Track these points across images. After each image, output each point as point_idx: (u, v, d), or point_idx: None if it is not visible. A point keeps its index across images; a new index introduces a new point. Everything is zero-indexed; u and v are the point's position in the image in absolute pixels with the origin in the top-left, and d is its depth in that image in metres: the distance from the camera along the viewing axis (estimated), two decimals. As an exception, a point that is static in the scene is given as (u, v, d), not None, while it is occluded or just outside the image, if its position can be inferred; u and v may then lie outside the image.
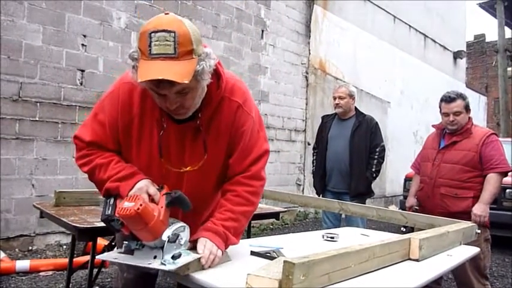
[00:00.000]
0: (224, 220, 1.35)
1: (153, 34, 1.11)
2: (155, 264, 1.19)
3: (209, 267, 1.26)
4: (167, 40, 1.10)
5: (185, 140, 1.33)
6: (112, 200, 1.28)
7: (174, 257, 1.19)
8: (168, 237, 1.19)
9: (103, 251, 2.55)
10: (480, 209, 2.53)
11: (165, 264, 1.17)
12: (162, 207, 1.22)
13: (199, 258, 1.25)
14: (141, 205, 1.14)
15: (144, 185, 1.25)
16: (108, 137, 1.35)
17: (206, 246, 1.26)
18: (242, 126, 1.37)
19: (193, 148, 1.33)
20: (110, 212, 1.24)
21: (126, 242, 1.25)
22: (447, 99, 2.71)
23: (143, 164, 1.35)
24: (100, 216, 1.29)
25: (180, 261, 1.19)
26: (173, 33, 1.11)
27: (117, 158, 1.36)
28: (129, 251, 1.24)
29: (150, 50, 1.11)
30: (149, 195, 1.24)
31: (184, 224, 1.29)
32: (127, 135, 1.34)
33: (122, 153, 1.39)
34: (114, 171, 1.30)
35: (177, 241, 1.21)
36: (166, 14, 1.18)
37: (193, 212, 1.38)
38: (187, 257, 1.22)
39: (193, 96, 1.23)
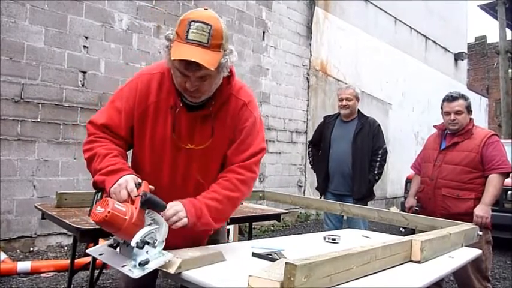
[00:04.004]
0: (208, 199, 1.41)
1: (193, 23, 1.28)
2: (125, 269, 1.22)
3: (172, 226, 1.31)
4: (203, 30, 1.27)
5: (195, 125, 1.45)
6: (99, 195, 1.33)
7: (141, 264, 1.20)
8: (137, 243, 1.20)
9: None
10: (482, 210, 2.53)
11: (132, 271, 1.20)
12: (136, 208, 1.23)
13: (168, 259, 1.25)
14: (108, 212, 1.16)
15: (124, 181, 1.29)
16: (121, 123, 1.45)
17: (173, 206, 1.32)
18: (245, 122, 1.49)
19: (201, 131, 1.45)
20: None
21: (114, 236, 1.29)
22: (449, 98, 2.74)
23: (157, 146, 1.46)
24: (88, 212, 1.32)
25: (150, 266, 1.21)
26: (210, 26, 1.28)
27: (116, 152, 1.42)
28: (116, 245, 1.28)
29: (187, 35, 1.27)
30: (128, 193, 1.27)
31: (160, 224, 1.29)
32: (142, 121, 1.45)
33: (135, 138, 1.48)
34: (106, 164, 1.36)
35: (147, 246, 1.22)
36: (205, 9, 1.36)
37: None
38: (157, 261, 1.23)
39: (211, 84, 1.37)
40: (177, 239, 1.36)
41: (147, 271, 1.21)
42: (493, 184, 2.56)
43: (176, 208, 1.34)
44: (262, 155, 1.54)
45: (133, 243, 1.20)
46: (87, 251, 1.41)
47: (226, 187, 1.44)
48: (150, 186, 1.33)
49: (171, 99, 1.43)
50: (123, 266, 1.23)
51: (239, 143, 1.48)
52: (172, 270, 1.22)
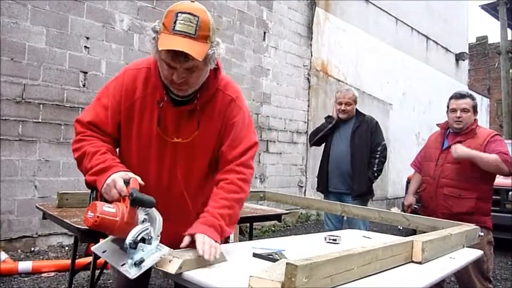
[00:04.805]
0: (219, 208, 1.40)
1: (180, 14, 1.26)
2: (123, 268, 1.22)
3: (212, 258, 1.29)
4: (191, 22, 1.26)
5: (181, 119, 1.44)
6: (94, 194, 1.33)
7: (136, 264, 1.20)
8: (129, 244, 1.20)
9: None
10: (463, 149, 2.55)
11: (129, 271, 1.20)
12: (127, 207, 1.22)
13: (197, 256, 1.26)
14: (98, 217, 1.16)
15: (112, 181, 1.27)
16: (108, 120, 1.44)
17: (205, 242, 1.30)
18: (233, 118, 1.48)
19: (187, 125, 1.45)
20: None
21: None
22: (457, 95, 2.75)
23: (144, 141, 1.45)
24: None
25: (146, 264, 1.21)
26: (197, 18, 1.27)
27: (104, 148, 1.40)
28: (119, 241, 1.28)
29: (174, 26, 1.26)
30: (118, 192, 1.26)
31: (152, 220, 1.28)
32: (129, 117, 1.45)
33: (122, 134, 1.47)
34: (96, 163, 1.35)
35: (142, 243, 1.22)
36: (192, 1, 1.33)
37: (188, 192, 1.50)
38: (153, 257, 1.23)
39: (198, 76, 1.36)
40: (164, 241, 1.33)
41: (143, 269, 1.20)
42: (491, 156, 2.50)
43: (207, 242, 1.30)
44: (256, 149, 1.54)
45: (126, 243, 1.20)
46: (92, 248, 1.41)
47: (231, 190, 1.44)
48: (139, 182, 1.31)
49: (157, 94, 1.42)
50: (123, 265, 1.23)
51: (232, 139, 1.47)
52: (172, 270, 1.22)
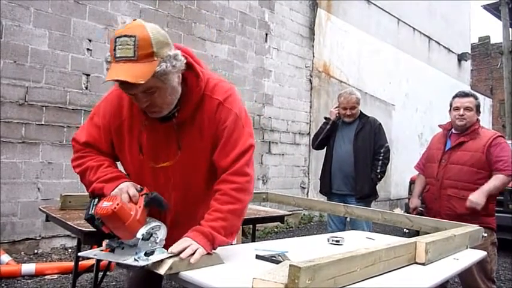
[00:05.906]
0: (212, 221, 1.35)
1: (117, 39, 1.20)
2: (129, 260, 1.24)
3: (192, 262, 1.25)
4: (128, 44, 1.19)
5: (171, 137, 1.40)
6: (96, 201, 1.35)
7: (146, 254, 1.23)
8: (143, 235, 1.25)
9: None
10: (477, 196, 2.50)
11: (137, 261, 1.23)
12: (140, 207, 1.29)
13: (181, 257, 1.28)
14: (118, 204, 1.21)
15: (125, 186, 1.32)
16: (101, 138, 1.45)
17: (181, 243, 1.27)
18: (224, 122, 1.40)
19: (176, 143, 1.41)
20: (92, 211, 1.29)
21: (108, 241, 1.33)
22: (461, 94, 2.78)
23: (136, 163, 1.45)
24: (84, 215, 1.34)
25: (153, 258, 1.23)
26: (133, 38, 1.19)
27: (107, 162, 1.44)
28: (111, 250, 1.31)
29: (115, 53, 1.21)
30: (129, 196, 1.30)
31: (160, 224, 1.33)
32: (120, 136, 1.44)
33: (117, 152, 1.48)
34: (102, 174, 1.38)
35: (151, 239, 1.27)
36: (134, 20, 1.28)
37: (187, 208, 1.48)
38: (161, 254, 1.25)
39: (162, 96, 1.29)
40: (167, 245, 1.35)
41: (150, 261, 1.22)
42: (498, 179, 2.55)
43: (185, 243, 1.27)
44: (252, 153, 1.44)
45: (139, 235, 1.25)
46: (80, 254, 1.45)
47: (225, 201, 1.37)
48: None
49: (141, 113, 1.39)
50: (124, 260, 1.25)
51: (223, 144, 1.40)
52: (162, 271, 1.21)
